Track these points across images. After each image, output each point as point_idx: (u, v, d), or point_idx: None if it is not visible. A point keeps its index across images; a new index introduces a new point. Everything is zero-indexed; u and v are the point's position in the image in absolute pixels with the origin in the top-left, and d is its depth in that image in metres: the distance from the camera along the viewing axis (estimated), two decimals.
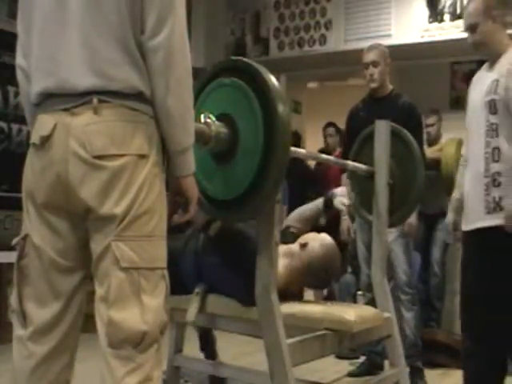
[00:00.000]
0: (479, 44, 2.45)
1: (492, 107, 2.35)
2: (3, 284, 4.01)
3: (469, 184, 2.45)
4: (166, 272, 1.35)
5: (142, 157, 1.30)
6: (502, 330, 2.34)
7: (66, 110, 1.30)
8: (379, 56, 3.30)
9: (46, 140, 1.31)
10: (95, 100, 1.28)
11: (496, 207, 2.32)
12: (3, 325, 3.77)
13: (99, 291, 1.31)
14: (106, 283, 1.29)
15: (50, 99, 1.33)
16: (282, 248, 2.17)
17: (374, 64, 3.28)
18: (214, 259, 1.96)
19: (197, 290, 1.99)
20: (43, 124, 1.32)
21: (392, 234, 3.19)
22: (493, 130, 2.35)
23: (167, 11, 1.30)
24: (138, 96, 1.32)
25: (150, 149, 1.32)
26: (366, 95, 3.46)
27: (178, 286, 2.07)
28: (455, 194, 2.63)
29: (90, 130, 1.28)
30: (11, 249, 1.44)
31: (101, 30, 1.30)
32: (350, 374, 3.39)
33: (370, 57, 3.30)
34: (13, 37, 1.53)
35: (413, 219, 3.12)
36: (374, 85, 3.31)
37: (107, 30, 1.30)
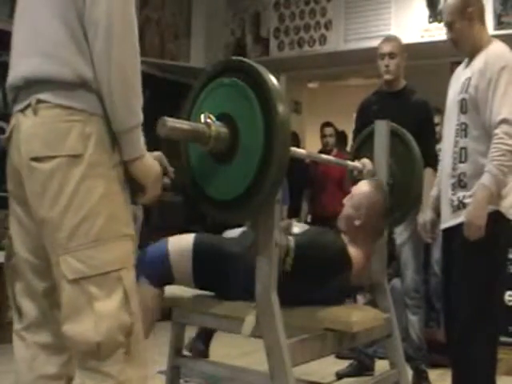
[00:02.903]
0: (456, 41, 2.39)
1: (463, 106, 2.31)
2: (3, 284, 4.00)
3: (441, 183, 2.44)
4: (123, 272, 1.29)
5: (75, 157, 1.25)
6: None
7: (21, 111, 1.31)
8: (397, 48, 3.23)
9: (7, 142, 1.35)
10: (33, 101, 1.27)
11: (460, 205, 2.29)
12: (3, 325, 3.76)
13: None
14: (61, 296, 1.27)
15: (13, 99, 1.34)
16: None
17: (391, 55, 3.21)
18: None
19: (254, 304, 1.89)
20: (9, 125, 1.35)
21: (402, 236, 3.15)
22: (462, 130, 2.31)
23: None
24: (82, 86, 1.26)
25: (84, 148, 1.26)
26: (377, 88, 3.39)
27: (223, 289, 2.03)
28: (433, 192, 2.58)
29: (30, 133, 1.28)
30: None
31: (44, 12, 1.28)
32: (338, 375, 3.33)
33: (387, 48, 3.23)
34: None
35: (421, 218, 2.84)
36: (388, 76, 3.23)
37: (49, 10, 1.27)
